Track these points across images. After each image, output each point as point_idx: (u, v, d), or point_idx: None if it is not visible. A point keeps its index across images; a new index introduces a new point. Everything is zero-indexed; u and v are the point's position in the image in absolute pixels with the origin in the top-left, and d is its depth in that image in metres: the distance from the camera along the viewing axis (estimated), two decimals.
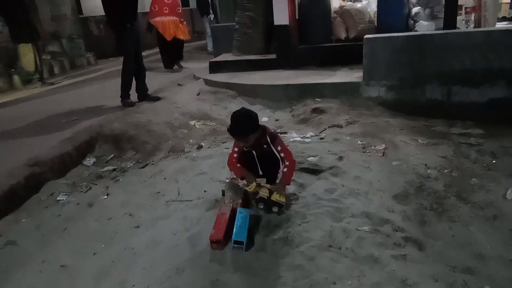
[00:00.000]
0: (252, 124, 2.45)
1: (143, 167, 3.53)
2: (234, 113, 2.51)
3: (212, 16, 11.14)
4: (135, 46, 4.98)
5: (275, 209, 2.49)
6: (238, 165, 2.62)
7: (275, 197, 2.47)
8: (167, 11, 7.61)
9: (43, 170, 3.31)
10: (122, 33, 4.86)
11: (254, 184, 2.53)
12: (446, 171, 2.98)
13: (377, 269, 2.00)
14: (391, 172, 2.99)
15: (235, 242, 2.17)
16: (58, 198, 3.06)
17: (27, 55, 7.09)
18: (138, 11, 5.02)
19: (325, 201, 2.58)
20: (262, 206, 2.50)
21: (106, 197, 3.03)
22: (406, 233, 2.25)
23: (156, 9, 7.61)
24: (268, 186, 2.53)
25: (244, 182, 2.63)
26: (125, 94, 5.08)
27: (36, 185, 3.19)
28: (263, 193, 2.49)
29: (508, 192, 2.61)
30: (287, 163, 2.55)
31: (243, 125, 2.43)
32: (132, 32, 4.90)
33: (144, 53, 5.62)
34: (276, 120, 4.72)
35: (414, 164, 3.09)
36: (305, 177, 2.94)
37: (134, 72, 5.07)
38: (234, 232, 2.19)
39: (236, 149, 2.61)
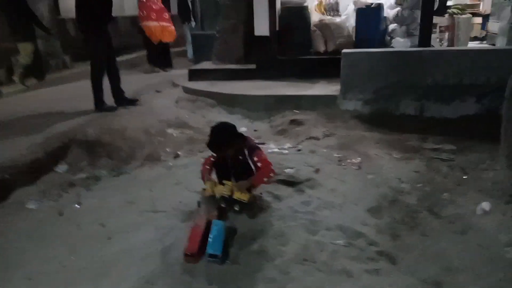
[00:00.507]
0: (230, 139, 2.46)
1: (117, 175, 3.46)
2: (212, 127, 2.52)
3: (193, 23, 11.08)
4: (108, 48, 4.90)
5: (236, 207, 2.49)
6: (207, 167, 2.66)
7: (237, 195, 2.48)
8: (155, 17, 7.84)
9: (12, 176, 3.19)
10: (96, 35, 4.77)
11: (209, 184, 2.55)
12: (418, 185, 3.04)
13: (351, 283, 2.01)
14: (366, 186, 3.04)
15: (210, 255, 2.14)
16: (27, 206, 2.95)
17: (25, 52, 6.93)
18: (117, 15, 4.95)
19: (301, 213, 2.60)
20: (223, 205, 2.50)
21: (77, 205, 2.95)
22: (379, 247, 2.28)
23: (144, 14, 7.82)
24: (230, 183, 2.53)
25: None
26: (99, 101, 4.95)
27: (5, 192, 3.07)
28: (225, 191, 2.50)
29: (478, 208, 2.68)
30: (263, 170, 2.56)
31: (220, 140, 2.44)
32: (106, 34, 4.84)
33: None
34: (254, 130, 4.72)
35: (388, 178, 3.15)
36: (282, 189, 2.95)
37: (103, 75, 4.96)
38: (208, 245, 2.16)
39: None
